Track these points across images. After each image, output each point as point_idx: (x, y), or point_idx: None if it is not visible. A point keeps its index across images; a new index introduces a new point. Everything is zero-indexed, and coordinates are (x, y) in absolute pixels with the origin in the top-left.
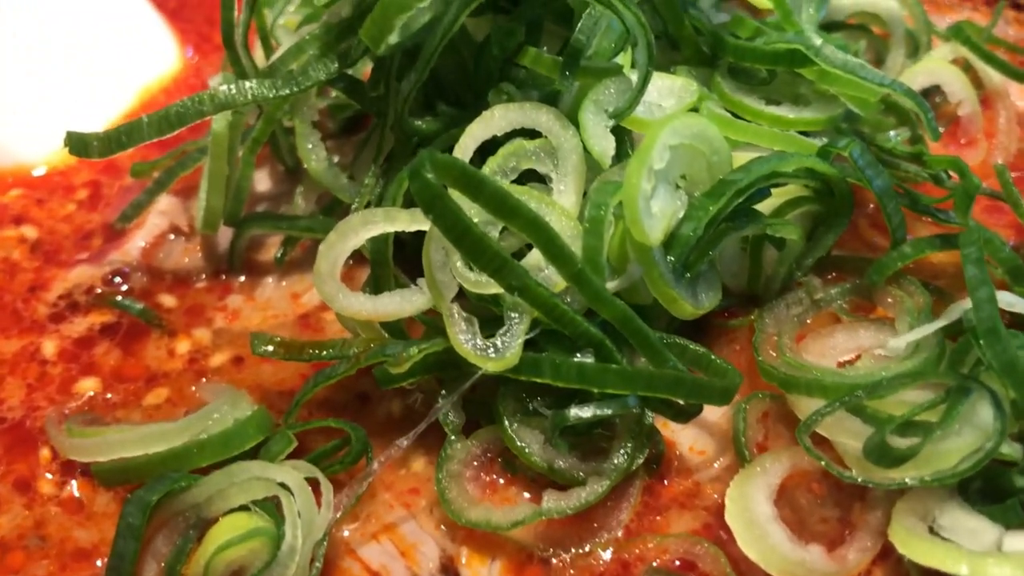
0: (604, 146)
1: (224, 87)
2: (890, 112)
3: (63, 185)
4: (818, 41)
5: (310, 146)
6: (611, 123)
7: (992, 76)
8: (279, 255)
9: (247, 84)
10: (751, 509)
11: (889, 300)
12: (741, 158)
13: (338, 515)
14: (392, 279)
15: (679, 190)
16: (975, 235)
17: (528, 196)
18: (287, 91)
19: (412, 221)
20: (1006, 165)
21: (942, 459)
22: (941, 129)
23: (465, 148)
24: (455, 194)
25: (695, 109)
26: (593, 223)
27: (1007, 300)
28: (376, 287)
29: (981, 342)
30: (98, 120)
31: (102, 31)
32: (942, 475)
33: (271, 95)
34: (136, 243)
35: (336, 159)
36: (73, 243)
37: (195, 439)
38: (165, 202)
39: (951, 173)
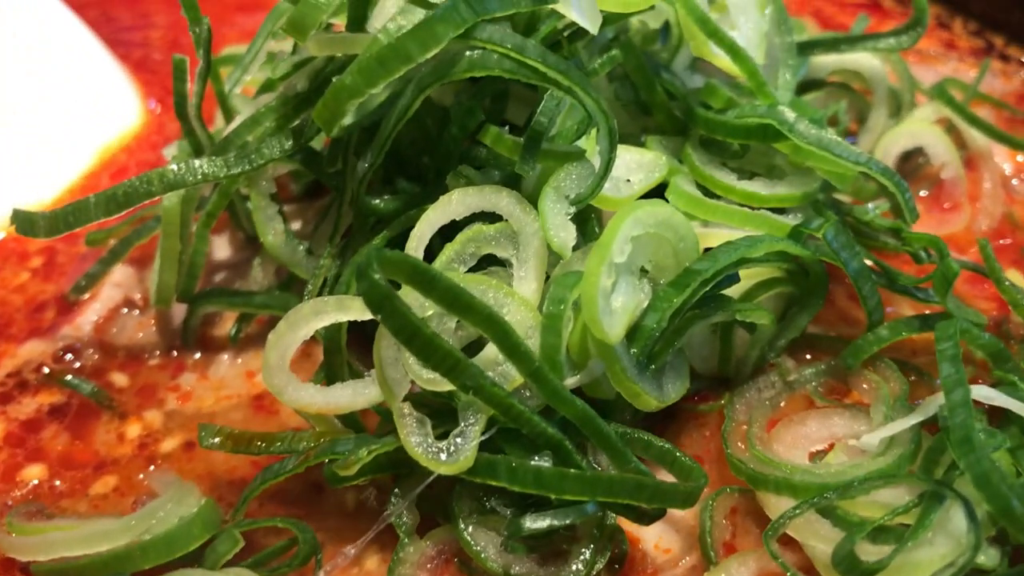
0: (564, 237)
1: (174, 166)
2: (868, 178)
3: (17, 252)
4: (791, 116)
5: (266, 219)
6: (572, 210)
7: (976, 137)
8: (233, 332)
9: (198, 163)
10: None
11: (864, 385)
12: (712, 236)
13: None
14: (346, 368)
15: (643, 279)
16: (951, 328)
17: (486, 286)
18: (240, 169)
19: (365, 311)
20: (990, 230)
21: (914, 570)
22: (924, 192)
23: (422, 236)
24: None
25: (664, 183)
26: (551, 320)
27: (984, 394)
28: (329, 376)
29: (954, 450)
30: (56, 183)
31: (61, 87)
32: None
33: (223, 174)
34: (89, 317)
35: (297, 225)
36: (25, 316)
37: (139, 540)
38: (120, 273)
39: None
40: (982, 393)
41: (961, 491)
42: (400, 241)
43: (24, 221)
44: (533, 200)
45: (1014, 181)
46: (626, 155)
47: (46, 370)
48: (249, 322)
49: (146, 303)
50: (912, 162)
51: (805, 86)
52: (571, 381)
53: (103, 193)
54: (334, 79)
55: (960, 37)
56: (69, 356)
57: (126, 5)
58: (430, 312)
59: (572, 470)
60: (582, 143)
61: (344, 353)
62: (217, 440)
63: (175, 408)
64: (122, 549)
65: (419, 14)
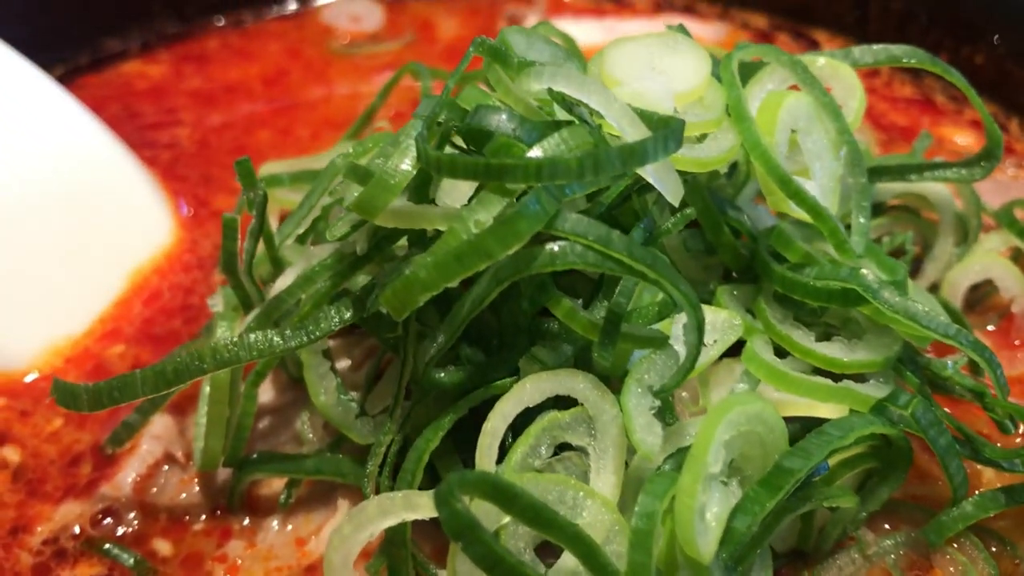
0: (651, 442)
1: (226, 341)
2: None
3: (47, 393)
4: (875, 282)
5: (318, 378)
6: (656, 404)
7: None
8: (283, 499)
9: (252, 339)
10: None
11: (951, 568)
12: (789, 404)
13: None
14: (410, 562)
15: (731, 479)
16: None
17: (564, 486)
18: (297, 343)
19: (433, 508)
20: None
21: None
22: (991, 327)
23: (495, 431)
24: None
25: (742, 341)
26: (640, 537)
27: None
28: (391, 570)
29: None
30: (89, 312)
31: (91, 206)
32: None
33: (279, 350)
34: (128, 474)
35: (343, 364)
36: (60, 470)
37: None
38: (159, 424)
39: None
40: None
41: None
42: (468, 420)
43: (65, 394)
44: (608, 380)
45: None
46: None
47: (86, 536)
48: (299, 486)
49: (188, 458)
50: (980, 291)
51: (874, 209)
52: None
53: (151, 369)
54: (407, 271)
55: (1018, 140)
56: (108, 520)
57: (149, 99)
58: (505, 522)
59: None
60: (662, 325)
61: (408, 548)
62: None
63: None
64: None
65: (496, 201)
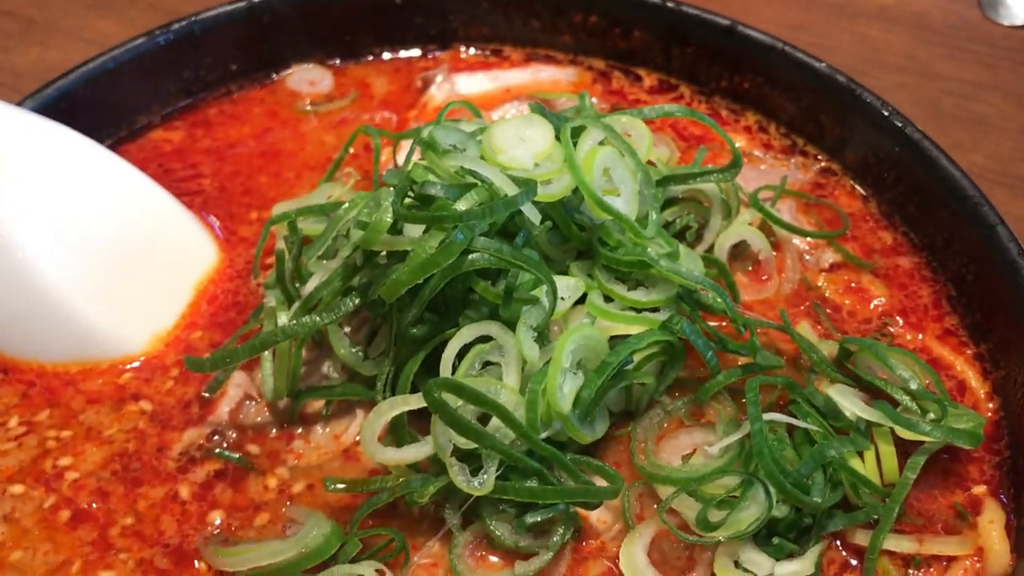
0: (532, 354)
1: (290, 322)
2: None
3: (160, 366)
4: (655, 254)
5: (339, 340)
6: (535, 334)
7: (779, 228)
8: (325, 412)
9: (306, 319)
10: (634, 559)
11: (711, 411)
12: (615, 329)
13: None
14: (408, 436)
15: (577, 371)
16: (753, 384)
17: (489, 384)
18: (330, 319)
19: (421, 401)
20: (791, 291)
21: (740, 524)
22: (749, 268)
23: (448, 357)
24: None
25: (584, 295)
26: (530, 403)
27: (775, 418)
28: (397, 441)
29: (756, 458)
30: (174, 311)
31: (164, 240)
32: (739, 533)
33: (320, 325)
34: (224, 409)
35: (346, 329)
36: (178, 411)
37: (302, 550)
38: (238, 377)
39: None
40: (774, 417)
41: (762, 478)
42: (432, 355)
43: (195, 363)
44: (509, 324)
45: (807, 257)
46: (560, 281)
47: (204, 447)
48: (332, 403)
49: (260, 396)
50: (740, 247)
51: (666, 203)
52: (544, 435)
53: (248, 343)
54: (393, 272)
55: (774, 138)
56: (216, 437)
57: (175, 158)
58: (459, 403)
59: (549, 487)
60: (535, 292)
61: (406, 427)
62: (338, 485)
63: (294, 464)
64: (295, 557)
65: (438, 234)
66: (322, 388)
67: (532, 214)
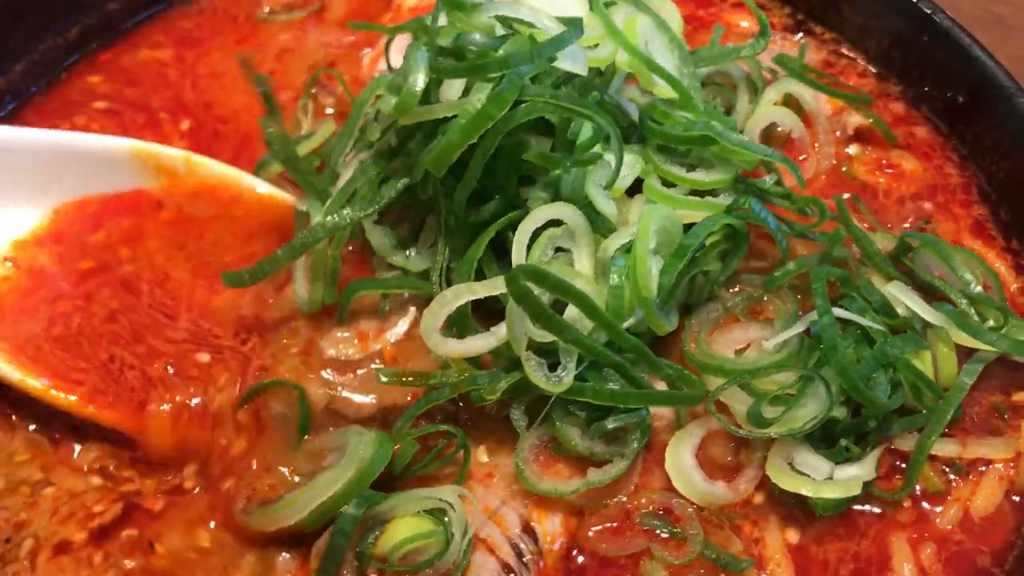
0: (608, 208)
1: (330, 218)
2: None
3: None
4: (719, 127)
5: (379, 237)
6: (607, 192)
7: (808, 99)
8: (382, 307)
9: (346, 212)
10: (680, 459)
11: (771, 307)
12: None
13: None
14: (473, 327)
15: (656, 255)
16: (820, 273)
17: (566, 271)
18: (371, 210)
19: (488, 290)
20: (829, 167)
21: (796, 421)
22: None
23: (522, 242)
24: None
25: (641, 178)
26: (615, 288)
27: (841, 314)
28: (460, 332)
29: (826, 354)
30: None
31: None
32: (795, 431)
33: (362, 216)
34: None
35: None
36: None
37: (359, 466)
38: None
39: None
40: (840, 313)
41: (823, 375)
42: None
43: (233, 278)
44: (573, 194)
45: (834, 128)
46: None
47: None
48: (390, 297)
49: None
50: (768, 129)
51: None
52: (625, 325)
53: (287, 246)
54: (440, 136)
55: (776, 17)
56: None
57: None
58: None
59: (631, 390)
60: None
61: (470, 319)
62: (391, 377)
63: None
64: (353, 477)
65: (484, 87)
66: (378, 281)
67: (579, 64)
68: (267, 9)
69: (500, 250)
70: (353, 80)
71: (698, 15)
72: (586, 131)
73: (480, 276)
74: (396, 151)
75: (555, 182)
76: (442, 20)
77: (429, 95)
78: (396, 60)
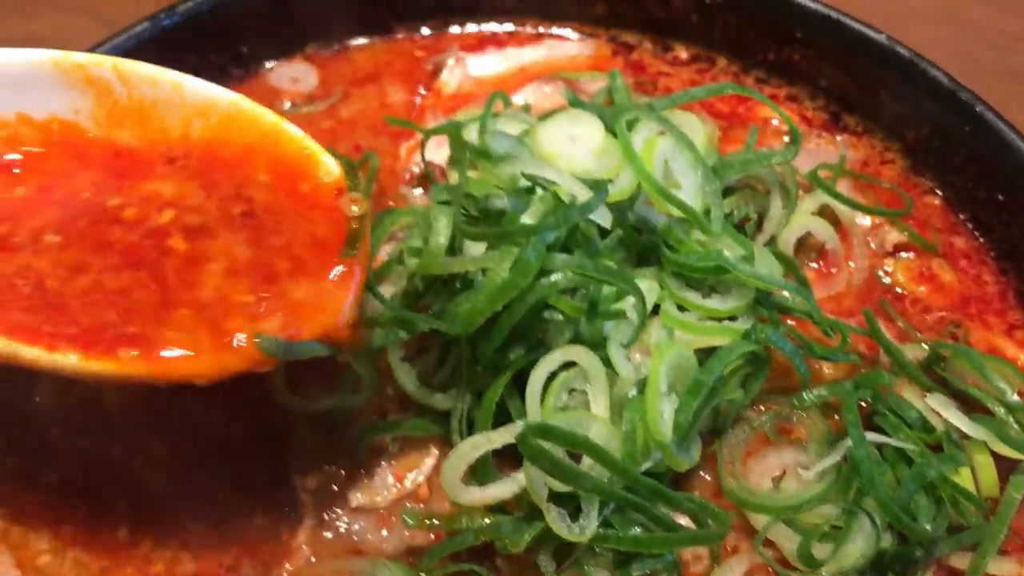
0: (626, 371)
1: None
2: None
3: None
4: (734, 258)
5: (403, 373)
6: (625, 350)
7: (844, 211)
8: (392, 448)
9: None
10: None
11: (802, 428)
12: (696, 341)
13: None
14: (494, 473)
15: (671, 393)
16: (853, 402)
17: (579, 417)
18: (392, 343)
19: (505, 439)
20: (862, 282)
21: (847, 559)
22: (815, 265)
23: (536, 391)
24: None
25: (657, 304)
26: (628, 435)
27: (873, 439)
28: (480, 480)
29: (865, 486)
30: None
31: None
32: (846, 569)
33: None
34: None
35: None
36: None
37: None
38: None
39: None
40: (873, 438)
41: (866, 507)
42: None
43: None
44: (592, 342)
45: (871, 242)
46: None
47: None
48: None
49: None
50: (804, 237)
51: (724, 192)
52: (644, 467)
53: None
54: (465, 300)
55: (808, 109)
56: None
57: None
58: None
59: (655, 535)
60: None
61: (491, 464)
62: (417, 521)
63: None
64: None
65: (510, 252)
66: (392, 424)
67: (604, 218)
68: (288, 104)
69: (522, 383)
70: (390, 171)
71: (738, 111)
72: (606, 289)
73: (503, 410)
74: (421, 294)
75: (574, 322)
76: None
77: (453, 242)
78: (431, 154)
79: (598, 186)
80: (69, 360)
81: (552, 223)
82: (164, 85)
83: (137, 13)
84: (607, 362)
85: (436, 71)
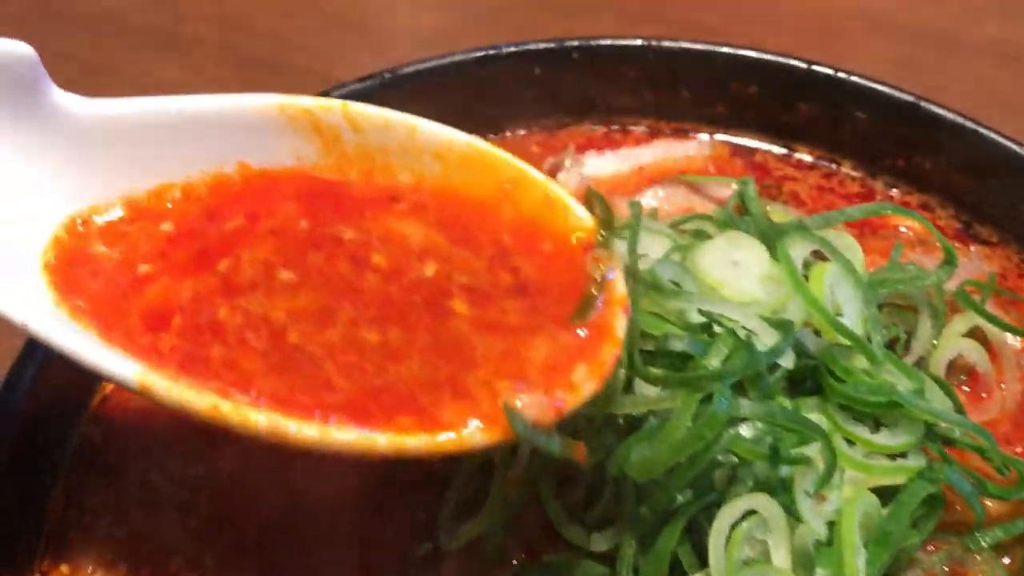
0: (817, 525)
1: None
2: None
3: None
4: (909, 394)
5: (554, 508)
6: (811, 502)
7: (994, 331)
8: None
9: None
10: None
11: (977, 572)
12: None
13: None
14: None
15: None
16: None
17: (765, 571)
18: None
19: None
20: (1015, 405)
21: None
22: (967, 389)
23: (719, 544)
24: None
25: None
26: None
27: None
28: None
29: None
30: None
31: None
32: None
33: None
34: None
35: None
36: None
37: None
38: None
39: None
40: None
41: None
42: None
43: None
44: (770, 490)
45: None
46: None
47: None
48: None
49: None
50: (954, 359)
51: None
52: None
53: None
54: (648, 452)
55: (940, 218)
56: None
57: None
58: None
59: None
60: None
61: None
62: None
63: None
64: None
65: (693, 399)
66: (544, 568)
67: (788, 360)
68: None
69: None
70: None
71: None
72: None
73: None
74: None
75: (750, 465)
76: None
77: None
78: None
79: (783, 327)
80: (347, 437)
81: (738, 368)
82: (397, 129)
83: None
84: (787, 508)
85: (552, 172)
